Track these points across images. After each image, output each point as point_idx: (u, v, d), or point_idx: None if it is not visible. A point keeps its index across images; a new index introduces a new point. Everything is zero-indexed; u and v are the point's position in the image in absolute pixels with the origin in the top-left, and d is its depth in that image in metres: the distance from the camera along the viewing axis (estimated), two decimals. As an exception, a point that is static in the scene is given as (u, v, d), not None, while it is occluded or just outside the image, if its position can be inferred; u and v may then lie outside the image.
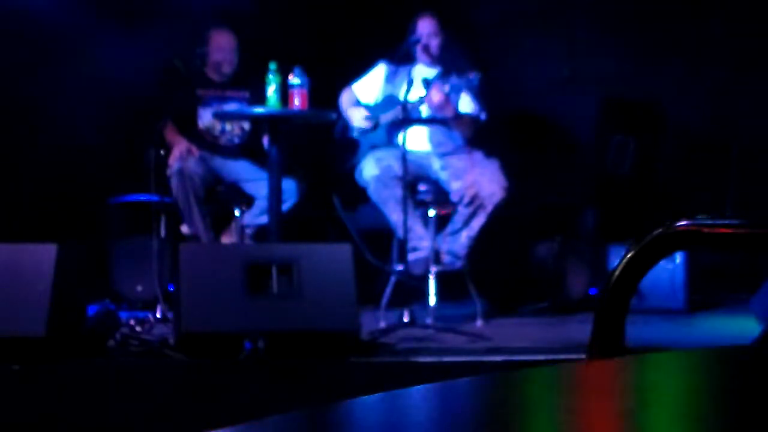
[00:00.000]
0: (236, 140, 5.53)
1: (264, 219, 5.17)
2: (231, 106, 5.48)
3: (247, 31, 5.59)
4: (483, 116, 5.27)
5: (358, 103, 5.40)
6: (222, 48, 5.49)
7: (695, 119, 6.37)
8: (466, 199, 5.07)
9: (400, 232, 4.99)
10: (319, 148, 5.70)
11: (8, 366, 3.72)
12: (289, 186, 5.19)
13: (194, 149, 5.30)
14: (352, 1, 6.57)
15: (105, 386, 3.66)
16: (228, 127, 5.51)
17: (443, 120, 5.23)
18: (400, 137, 4.99)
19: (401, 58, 5.25)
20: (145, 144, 5.20)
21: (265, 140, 5.18)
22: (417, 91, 5.12)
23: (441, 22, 5.28)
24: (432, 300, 4.91)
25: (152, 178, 5.02)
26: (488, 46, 6.02)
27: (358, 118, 5.30)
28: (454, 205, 5.13)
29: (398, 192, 4.95)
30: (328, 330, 4.07)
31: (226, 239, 5.39)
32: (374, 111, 5.31)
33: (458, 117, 5.20)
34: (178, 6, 6.12)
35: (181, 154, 5.24)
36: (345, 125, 5.36)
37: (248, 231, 5.30)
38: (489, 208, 5.06)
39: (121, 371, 3.89)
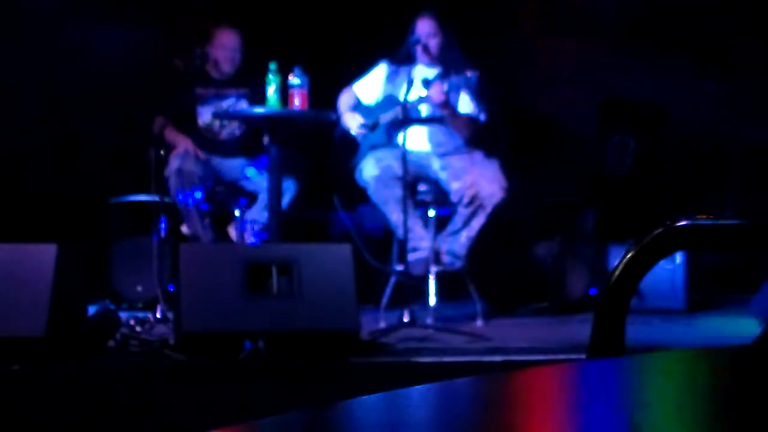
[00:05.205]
0: (237, 132, 5.53)
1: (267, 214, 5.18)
2: (228, 102, 5.48)
3: (247, 31, 5.60)
4: (482, 117, 5.26)
5: (357, 104, 5.39)
6: (226, 46, 5.49)
7: (695, 119, 6.37)
8: (466, 200, 5.07)
9: (400, 232, 4.99)
10: (319, 148, 5.70)
11: (8, 366, 3.72)
12: (286, 180, 5.19)
13: (198, 151, 5.30)
14: (352, 1, 6.57)
15: (105, 386, 3.66)
16: (227, 120, 5.52)
17: (442, 119, 5.22)
18: (400, 137, 4.99)
19: (402, 58, 5.25)
20: (145, 144, 5.20)
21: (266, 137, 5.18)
22: (417, 91, 5.12)
23: (440, 22, 5.27)
24: (432, 300, 4.91)
25: (152, 178, 5.02)
26: (488, 46, 6.01)
27: (353, 125, 5.30)
28: (454, 205, 5.12)
29: (398, 192, 4.95)
30: (328, 330, 4.07)
31: (233, 232, 5.39)
32: (374, 111, 5.31)
33: (457, 117, 5.20)
34: (179, 5, 6.13)
35: (186, 152, 5.24)
36: (345, 129, 5.36)
37: (255, 227, 5.29)
38: (489, 208, 5.06)
39: (121, 371, 3.89)
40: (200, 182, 5.25)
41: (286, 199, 5.19)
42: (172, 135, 5.37)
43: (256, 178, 5.38)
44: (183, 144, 5.30)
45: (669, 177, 6.35)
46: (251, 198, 5.39)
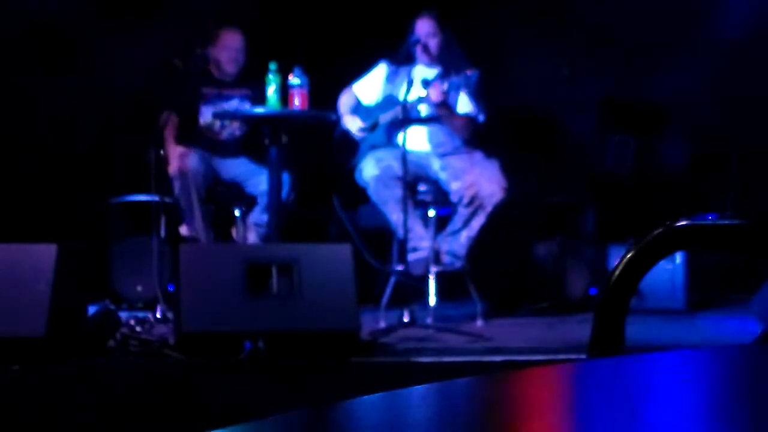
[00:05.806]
0: (237, 133, 5.52)
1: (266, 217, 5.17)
2: (232, 104, 5.48)
3: (247, 31, 5.60)
4: (481, 117, 5.26)
5: (357, 104, 5.39)
6: (229, 47, 5.49)
7: (695, 119, 6.37)
8: (466, 200, 5.07)
9: (400, 232, 4.99)
10: (319, 147, 5.70)
11: (8, 366, 3.72)
12: (283, 177, 5.18)
13: (192, 151, 5.29)
14: (352, 1, 6.57)
15: (105, 386, 3.66)
16: (227, 121, 5.51)
17: (441, 119, 5.22)
18: (399, 137, 4.99)
19: (402, 58, 5.25)
20: (145, 144, 5.20)
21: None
22: (417, 91, 5.12)
23: (440, 22, 5.27)
24: (432, 300, 4.91)
25: (152, 178, 5.02)
26: (488, 46, 6.01)
27: (354, 128, 5.30)
28: (454, 205, 5.12)
29: (398, 192, 4.95)
30: (328, 330, 4.07)
31: (235, 233, 5.38)
32: (373, 111, 5.31)
33: (455, 117, 5.20)
34: (179, 5, 6.12)
35: (179, 157, 5.23)
36: (344, 129, 5.36)
37: (261, 230, 5.28)
38: (489, 208, 5.06)
39: (121, 371, 3.89)
40: (202, 182, 5.25)
41: (281, 195, 5.18)
42: (171, 135, 5.35)
43: None
44: (177, 153, 5.26)
45: (669, 177, 6.35)
46: (250, 201, 5.38)
